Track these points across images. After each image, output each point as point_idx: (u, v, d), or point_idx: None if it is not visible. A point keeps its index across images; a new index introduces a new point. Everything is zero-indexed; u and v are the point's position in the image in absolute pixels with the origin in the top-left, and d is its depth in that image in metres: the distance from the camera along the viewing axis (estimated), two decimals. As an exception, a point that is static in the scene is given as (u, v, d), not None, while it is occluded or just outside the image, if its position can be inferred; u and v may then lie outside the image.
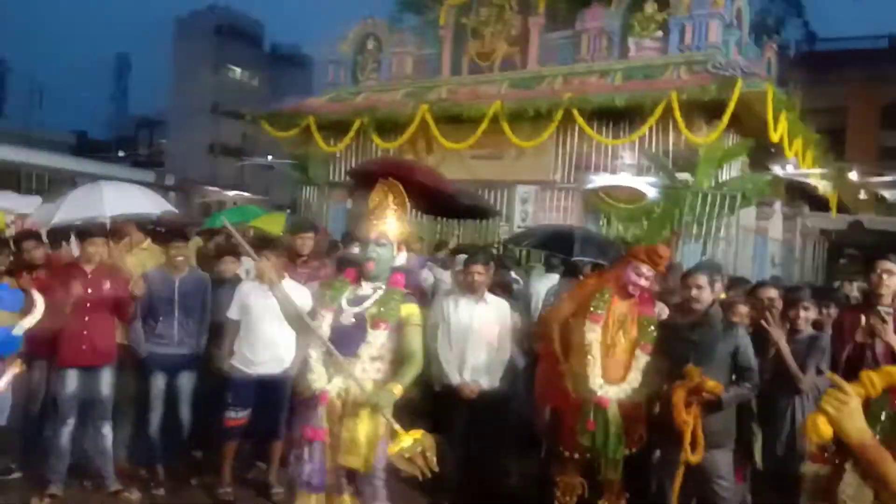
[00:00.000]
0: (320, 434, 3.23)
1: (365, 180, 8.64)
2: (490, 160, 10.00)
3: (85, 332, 4.52)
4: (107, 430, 4.69)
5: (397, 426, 3.08)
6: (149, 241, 5.63)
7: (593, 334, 4.00)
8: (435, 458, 3.08)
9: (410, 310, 3.34)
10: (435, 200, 6.85)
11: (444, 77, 11.62)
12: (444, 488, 4.85)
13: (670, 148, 9.04)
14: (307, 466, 3.24)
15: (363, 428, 3.21)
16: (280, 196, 22.38)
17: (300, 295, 4.27)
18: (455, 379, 4.73)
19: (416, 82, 11.79)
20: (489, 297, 4.87)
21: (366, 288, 3.39)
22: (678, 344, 3.87)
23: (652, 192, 9.08)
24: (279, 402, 4.74)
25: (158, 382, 4.81)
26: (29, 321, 2.75)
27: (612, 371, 3.98)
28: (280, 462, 4.77)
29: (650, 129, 8.92)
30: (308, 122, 11.71)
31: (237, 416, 4.69)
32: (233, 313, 4.75)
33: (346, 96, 12.19)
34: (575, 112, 9.18)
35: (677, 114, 8.49)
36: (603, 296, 4.06)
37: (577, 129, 9.44)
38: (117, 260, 5.03)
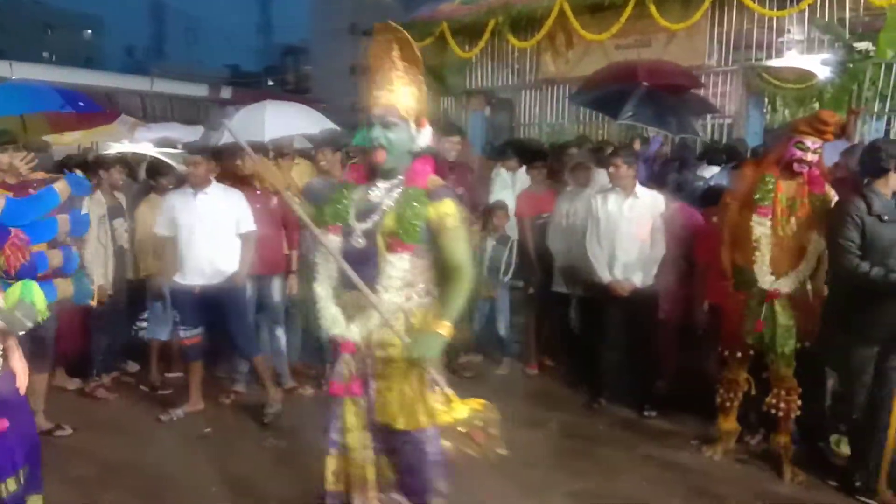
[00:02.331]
0: (343, 388, 2.52)
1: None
2: (636, 48, 9.29)
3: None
4: (280, 333, 5.10)
5: (448, 390, 2.29)
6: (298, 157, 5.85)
7: (762, 228, 3.67)
8: (499, 437, 2.27)
9: (443, 208, 2.35)
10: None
11: (582, -37, 10.81)
12: (598, 390, 4.85)
13: (847, 15, 7.94)
14: (332, 424, 2.57)
15: (399, 384, 2.41)
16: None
17: None
18: (605, 277, 4.61)
19: (553, -28, 11.07)
20: (641, 190, 4.65)
21: (379, 190, 2.44)
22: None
23: (824, 70, 8.12)
24: (229, 316, 4.54)
25: None
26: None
27: (782, 262, 3.67)
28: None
29: (822, -5, 7.91)
30: (442, 29, 11.48)
31: (190, 335, 4.62)
32: (161, 229, 4.54)
33: (480, -3, 11.74)
34: (733, -17, 8.29)
35: (857, -29, 7.49)
36: (766, 184, 3.68)
37: (735, 3, 8.55)
38: (282, 177, 5.27)
